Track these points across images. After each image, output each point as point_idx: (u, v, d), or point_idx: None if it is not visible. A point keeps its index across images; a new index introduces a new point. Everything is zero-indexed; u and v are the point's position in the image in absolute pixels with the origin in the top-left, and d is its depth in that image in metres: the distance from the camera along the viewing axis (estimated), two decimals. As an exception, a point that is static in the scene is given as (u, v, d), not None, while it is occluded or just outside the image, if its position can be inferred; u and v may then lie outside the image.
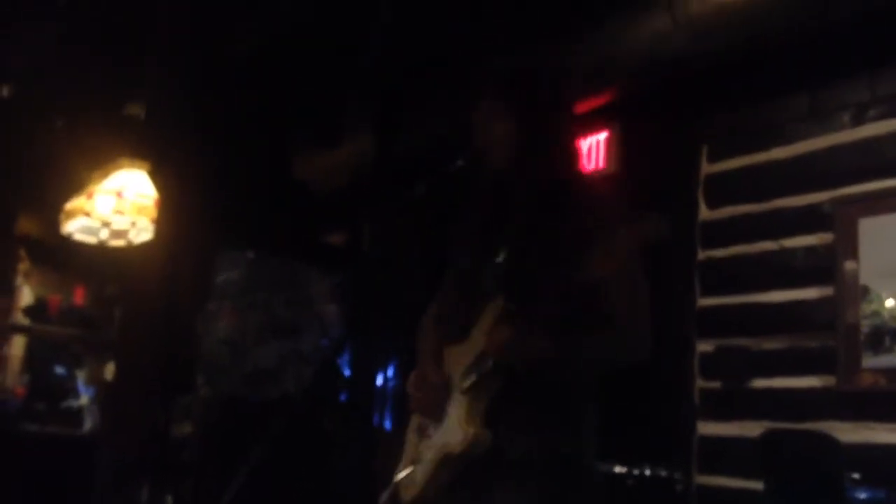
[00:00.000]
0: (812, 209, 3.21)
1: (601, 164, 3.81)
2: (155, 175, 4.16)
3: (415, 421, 2.05)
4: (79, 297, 4.75)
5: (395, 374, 4.87)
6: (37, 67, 3.93)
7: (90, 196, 4.03)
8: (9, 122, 4.04)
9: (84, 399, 4.91)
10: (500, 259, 1.98)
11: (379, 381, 4.72)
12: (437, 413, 1.95)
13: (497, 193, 2.06)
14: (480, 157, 2.03)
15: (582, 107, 3.78)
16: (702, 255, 3.51)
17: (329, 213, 5.08)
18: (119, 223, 4.15)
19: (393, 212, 4.47)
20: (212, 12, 3.89)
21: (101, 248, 4.27)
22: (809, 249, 3.21)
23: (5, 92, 3.94)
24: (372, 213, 4.52)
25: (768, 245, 3.34)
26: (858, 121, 3.15)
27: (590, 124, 3.89)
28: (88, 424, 4.87)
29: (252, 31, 4.11)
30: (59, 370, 4.74)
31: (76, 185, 4.12)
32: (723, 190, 3.52)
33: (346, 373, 4.74)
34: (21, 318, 4.64)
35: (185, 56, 4.07)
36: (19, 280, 4.60)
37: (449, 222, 2.24)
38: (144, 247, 4.30)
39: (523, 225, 1.98)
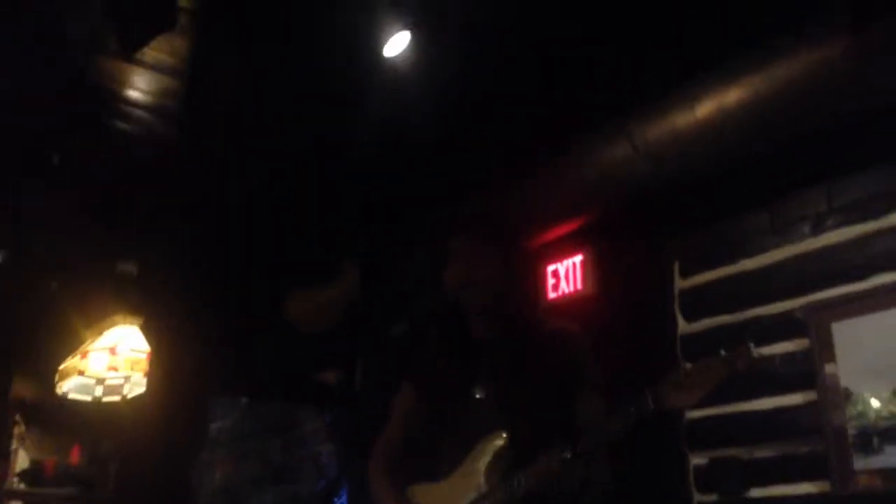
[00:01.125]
0: (786, 316, 3.29)
1: (578, 286, 3.93)
2: (147, 329, 4.25)
3: None
4: (74, 456, 4.72)
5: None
6: (30, 233, 4.08)
7: (84, 356, 4.11)
8: (3, 287, 4.14)
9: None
10: (481, 396, 2.06)
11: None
12: None
13: (461, 330, 2.16)
14: (456, 295, 2.14)
15: (555, 232, 3.96)
16: (683, 365, 3.57)
17: (321, 352, 5.15)
18: (113, 379, 4.22)
19: (383, 348, 4.55)
20: (199, 168, 4.09)
21: (95, 405, 4.31)
22: (788, 356, 3.27)
23: (0, 260, 4.07)
24: (363, 350, 4.60)
25: (749, 354, 3.40)
26: (818, 230, 3.28)
27: (565, 248, 4.05)
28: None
29: (239, 183, 4.30)
30: (53, 536, 4.65)
31: (71, 346, 4.20)
32: (698, 303, 3.62)
33: (345, 513, 4.68)
34: (16, 484, 4.59)
35: (173, 211, 4.25)
36: (14, 444, 4.58)
37: (432, 359, 2.31)
38: (138, 401, 4.34)
39: (510, 361, 2.07)
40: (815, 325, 3.20)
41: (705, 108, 3.21)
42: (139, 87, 3.65)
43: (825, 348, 3.16)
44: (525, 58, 3.67)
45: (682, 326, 3.63)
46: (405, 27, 3.31)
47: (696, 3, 3.29)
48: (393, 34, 3.32)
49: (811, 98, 3.03)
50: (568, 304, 3.96)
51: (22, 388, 4.46)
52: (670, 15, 3.39)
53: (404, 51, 3.41)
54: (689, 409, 1.88)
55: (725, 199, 3.57)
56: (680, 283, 3.70)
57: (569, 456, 1.86)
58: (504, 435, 1.97)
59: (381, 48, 3.35)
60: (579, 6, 3.44)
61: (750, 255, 3.49)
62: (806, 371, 3.20)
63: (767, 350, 3.32)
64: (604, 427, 1.89)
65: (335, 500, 4.83)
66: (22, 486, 4.60)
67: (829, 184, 3.30)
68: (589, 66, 3.66)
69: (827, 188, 3.31)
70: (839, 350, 3.14)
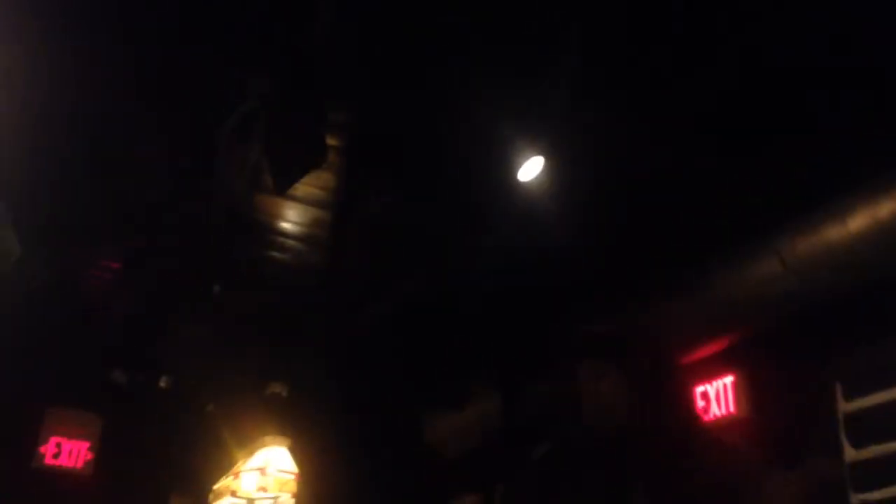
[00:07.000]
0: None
1: (731, 408, 3.71)
2: (295, 450, 4.36)
3: None
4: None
5: None
6: (191, 359, 4.33)
7: (237, 476, 4.24)
8: (165, 411, 4.39)
9: None
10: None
11: None
12: None
13: (617, 452, 2.09)
14: (592, 418, 2.09)
15: (703, 353, 3.79)
16: (855, 499, 3.28)
17: (460, 475, 5.09)
18: (262, 500, 4.31)
19: (523, 470, 4.45)
20: (345, 295, 4.26)
21: (246, 525, 4.40)
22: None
23: (163, 383, 4.34)
24: (502, 472, 4.51)
25: (929, 484, 3.10)
26: None
27: (715, 368, 3.86)
28: None
29: (382, 307, 4.44)
30: None
31: (224, 466, 4.36)
32: (866, 428, 3.34)
33: None
34: None
35: (323, 337, 4.42)
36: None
37: (572, 483, 2.25)
38: (286, 522, 4.40)
39: (654, 483, 1.99)
40: None
41: (858, 222, 3.05)
42: (291, 220, 3.89)
43: None
44: (664, 174, 3.64)
45: (850, 454, 3.35)
46: (538, 153, 3.39)
47: (844, 117, 3.19)
48: (527, 160, 3.40)
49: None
50: (719, 428, 3.74)
51: (178, 507, 4.65)
52: (817, 128, 3.29)
53: (539, 174, 3.47)
54: None
55: (890, 315, 3.33)
56: (843, 406, 3.44)
57: None
58: None
59: (516, 174, 3.43)
60: (720, 119, 3.41)
61: (922, 375, 3.22)
62: None
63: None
64: None
65: None
66: None
67: None
68: (733, 181, 3.58)
69: None
70: None
